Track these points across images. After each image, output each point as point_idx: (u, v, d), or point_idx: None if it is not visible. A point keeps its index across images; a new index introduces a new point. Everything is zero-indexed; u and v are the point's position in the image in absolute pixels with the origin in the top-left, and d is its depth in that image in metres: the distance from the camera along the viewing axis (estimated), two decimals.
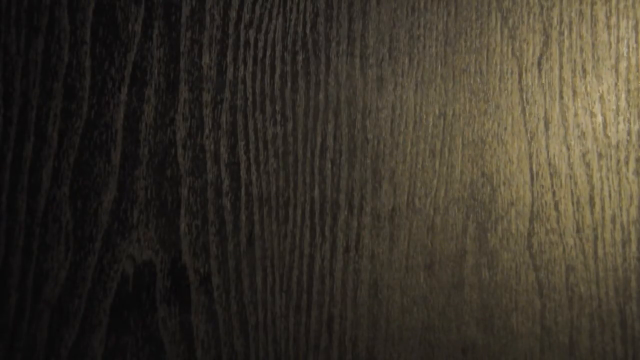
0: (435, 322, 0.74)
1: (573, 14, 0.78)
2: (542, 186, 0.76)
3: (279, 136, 0.73)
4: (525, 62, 0.77)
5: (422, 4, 0.76)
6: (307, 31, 0.74)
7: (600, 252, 0.76)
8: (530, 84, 0.77)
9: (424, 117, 0.76)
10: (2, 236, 0.68)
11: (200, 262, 0.71)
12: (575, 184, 0.76)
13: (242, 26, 0.73)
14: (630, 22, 0.78)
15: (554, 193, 0.76)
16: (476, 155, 0.76)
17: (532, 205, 0.76)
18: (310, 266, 0.73)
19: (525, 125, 0.76)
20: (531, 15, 0.77)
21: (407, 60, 0.76)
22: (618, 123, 0.77)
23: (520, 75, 0.77)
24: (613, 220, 0.76)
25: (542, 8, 0.77)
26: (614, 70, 0.78)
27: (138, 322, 0.70)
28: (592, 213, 0.76)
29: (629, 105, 0.77)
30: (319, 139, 0.74)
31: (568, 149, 0.76)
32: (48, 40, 0.70)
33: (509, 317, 0.75)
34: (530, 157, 0.76)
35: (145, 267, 0.70)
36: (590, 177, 0.76)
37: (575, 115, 0.77)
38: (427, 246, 0.74)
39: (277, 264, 0.72)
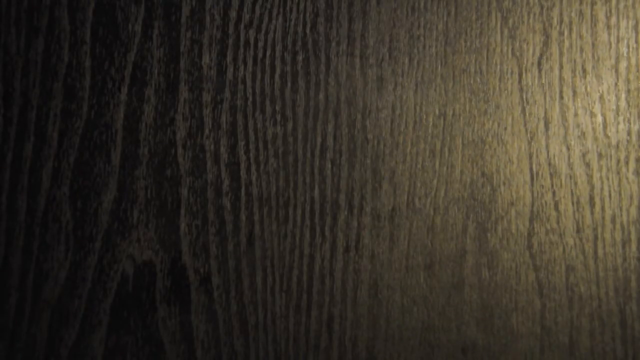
0: (435, 322, 0.74)
1: (573, 14, 0.78)
2: (542, 186, 0.76)
3: (279, 136, 0.73)
4: (525, 62, 0.77)
5: (422, 4, 0.76)
6: (307, 31, 0.74)
7: (600, 252, 0.76)
8: (530, 84, 0.77)
9: (424, 117, 0.76)
10: (2, 236, 0.68)
11: (200, 262, 0.71)
12: (575, 184, 0.76)
13: (242, 26, 0.73)
14: (630, 22, 0.78)
15: (554, 193, 0.76)
16: (476, 155, 0.76)
17: (532, 205, 0.76)
18: (310, 266, 0.73)
19: (525, 125, 0.76)
20: (531, 15, 0.77)
21: (407, 60, 0.76)
22: (618, 123, 0.77)
23: (520, 75, 0.77)
24: (613, 220, 0.76)
25: (542, 8, 0.77)
26: (614, 70, 0.77)
27: (138, 322, 0.70)
28: (592, 213, 0.76)
29: (629, 105, 0.77)
30: (319, 139, 0.74)
31: (568, 149, 0.76)
32: (48, 40, 0.70)
33: (509, 317, 0.75)
34: (530, 157, 0.76)
35: (145, 267, 0.70)
36: (590, 177, 0.76)
37: (575, 115, 0.77)
38: (427, 246, 0.74)
39: (277, 264, 0.72)
